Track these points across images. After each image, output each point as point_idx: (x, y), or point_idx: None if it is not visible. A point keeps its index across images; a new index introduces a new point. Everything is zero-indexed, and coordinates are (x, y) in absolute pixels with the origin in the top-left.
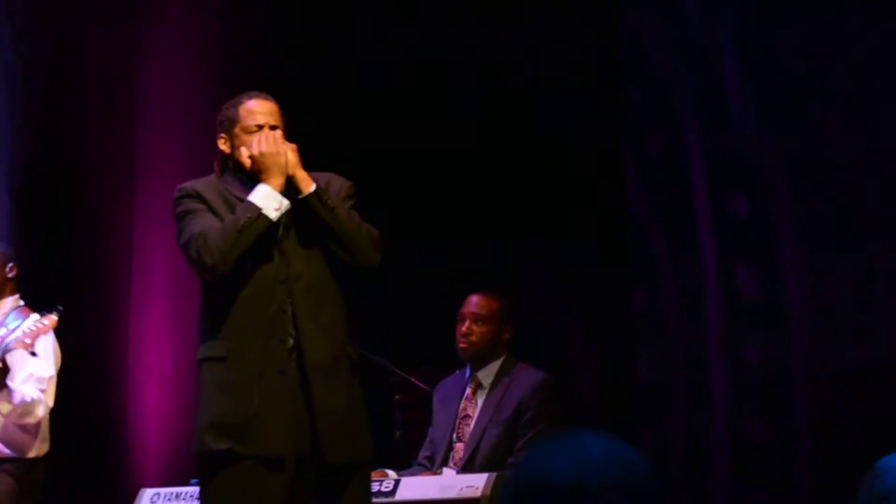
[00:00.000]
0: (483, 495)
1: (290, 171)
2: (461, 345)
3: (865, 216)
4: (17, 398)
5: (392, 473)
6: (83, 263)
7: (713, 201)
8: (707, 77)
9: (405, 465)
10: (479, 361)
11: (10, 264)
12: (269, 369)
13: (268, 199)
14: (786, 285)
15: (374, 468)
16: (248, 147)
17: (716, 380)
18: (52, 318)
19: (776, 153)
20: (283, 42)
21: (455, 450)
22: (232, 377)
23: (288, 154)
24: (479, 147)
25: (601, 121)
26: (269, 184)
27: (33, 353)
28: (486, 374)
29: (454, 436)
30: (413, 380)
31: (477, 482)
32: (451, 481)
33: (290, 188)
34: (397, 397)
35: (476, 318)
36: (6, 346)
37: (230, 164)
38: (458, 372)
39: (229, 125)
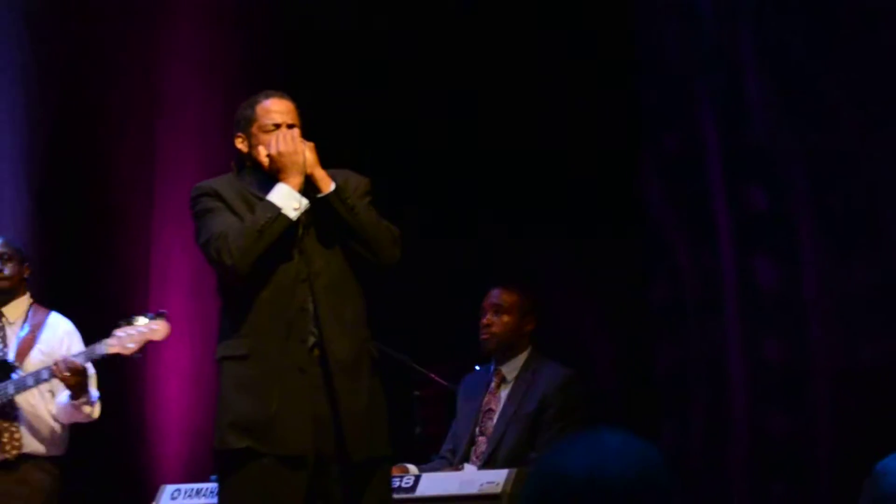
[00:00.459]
0: (503, 491)
1: (309, 170)
2: (483, 336)
3: (884, 210)
4: (94, 396)
5: (413, 468)
6: (103, 262)
7: (731, 196)
8: (724, 72)
9: (425, 460)
10: (503, 355)
11: (25, 264)
12: (290, 368)
13: (287, 199)
14: (804, 279)
15: (395, 463)
16: (266, 146)
17: (735, 374)
18: (165, 326)
19: (794, 148)
20: (300, 44)
21: (478, 444)
22: (253, 376)
23: (306, 153)
24: (502, 145)
25: (620, 117)
26: (287, 183)
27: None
28: (511, 369)
29: (477, 430)
30: (433, 376)
31: (497, 478)
32: (471, 477)
33: (308, 187)
34: (417, 393)
35: (497, 310)
36: (93, 350)
37: (248, 162)
38: (478, 369)
39: (246, 124)
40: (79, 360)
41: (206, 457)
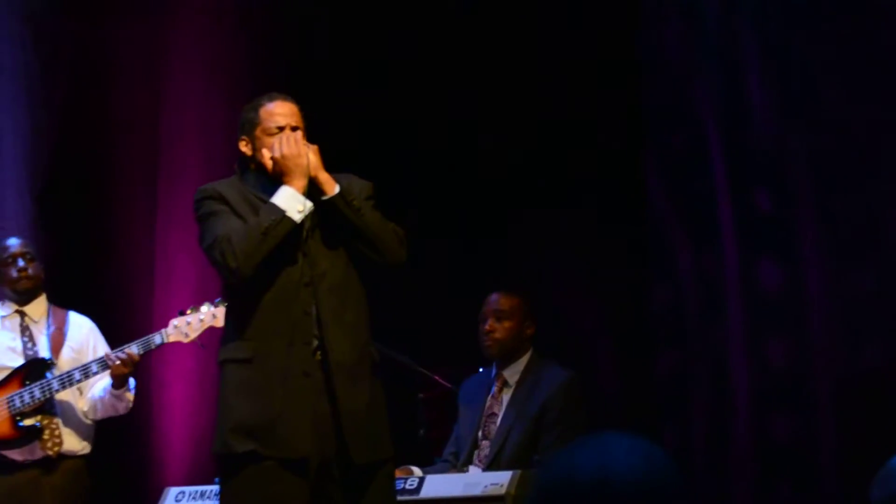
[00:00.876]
0: (507, 493)
1: (313, 173)
2: (486, 343)
3: (887, 212)
4: (132, 384)
5: (417, 470)
6: (106, 264)
7: (735, 198)
8: (728, 73)
9: (428, 462)
10: (505, 359)
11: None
12: (293, 371)
13: (291, 202)
14: (807, 281)
15: (399, 465)
16: (270, 149)
17: (738, 377)
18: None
19: (798, 149)
20: (303, 45)
21: (481, 447)
22: (256, 379)
23: (310, 156)
24: (505, 148)
25: (622, 117)
26: (291, 186)
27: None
28: (512, 373)
29: (480, 433)
30: (437, 378)
31: (501, 480)
32: (475, 479)
33: (312, 189)
34: (421, 395)
35: (498, 315)
36: (149, 340)
37: (251, 165)
38: (483, 370)
39: (250, 127)
40: (134, 350)
41: (210, 459)
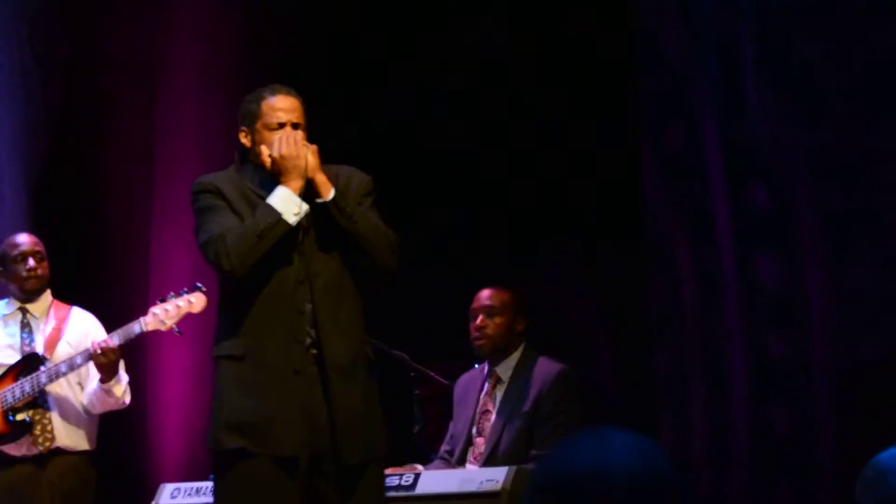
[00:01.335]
0: (503, 489)
1: (310, 174)
2: (478, 341)
3: (885, 207)
4: (123, 379)
5: (420, 468)
6: (101, 260)
7: (732, 193)
8: (724, 68)
9: (425, 459)
10: (497, 355)
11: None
12: (286, 370)
13: (287, 204)
14: (806, 276)
15: (399, 463)
16: (269, 147)
17: (736, 371)
18: (202, 298)
19: (795, 144)
20: (303, 38)
21: (476, 445)
22: (249, 376)
23: (308, 157)
24: (500, 144)
25: (619, 114)
26: (288, 186)
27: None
28: (505, 369)
29: (474, 430)
30: (432, 374)
31: (497, 476)
32: (471, 475)
33: (309, 189)
34: (416, 392)
35: (489, 312)
36: (129, 330)
37: (251, 156)
38: (476, 367)
39: (251, 119)
40: (112, 341)
41: (206, 456)
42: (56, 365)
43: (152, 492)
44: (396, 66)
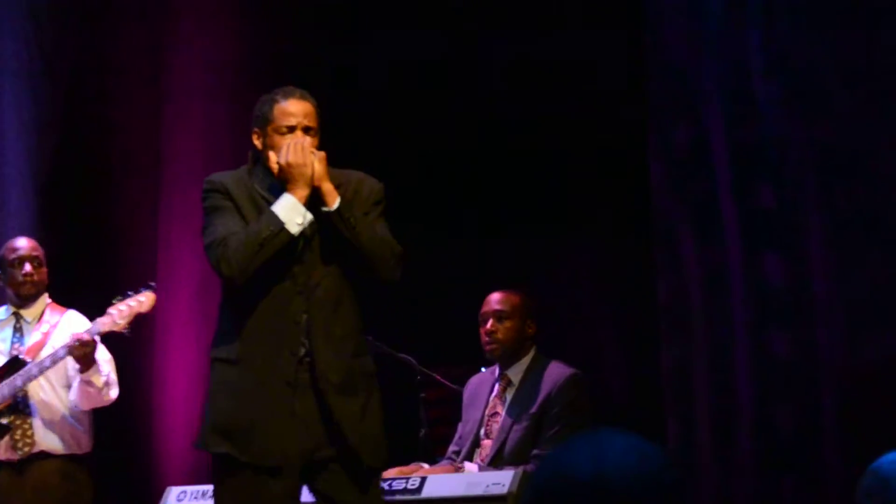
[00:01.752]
0: (510, 492)
1: (316, 183)
2: (489, 346)
3: (891, 206)
4: (103, 370)
5: (426, 465)
6: (109, 260)
7: (739, 193)
8: (732, 68)
9: (431, 461)
10: (509, 359)
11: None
12: (275, 379)
13: (291, 213)
14: (812, 276)
15: (405, 463)
16: (277, 153)
17: (742, 371)
18: (151, 297)
19: (802, 144)
20: (309, 40)
21: (482, 446)
22: (240, 382)
23: (315, 165)
24: (507, 145)
25: (627, 114)
26: (293, 194)
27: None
28: (516, 372)
29: (482, 432)
30: (438, 377)
31: (503, 479)
32: (477, 478)
33: (315, 198)
34: (423, 395)
35: (499, 316)
36: (94, 326)
37: (262, 159)
38: (486, 369)
39: (263, 122)
40: (84, 336)
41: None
42: (28, 367)
43: (158, 495)
44: (396, 65)
